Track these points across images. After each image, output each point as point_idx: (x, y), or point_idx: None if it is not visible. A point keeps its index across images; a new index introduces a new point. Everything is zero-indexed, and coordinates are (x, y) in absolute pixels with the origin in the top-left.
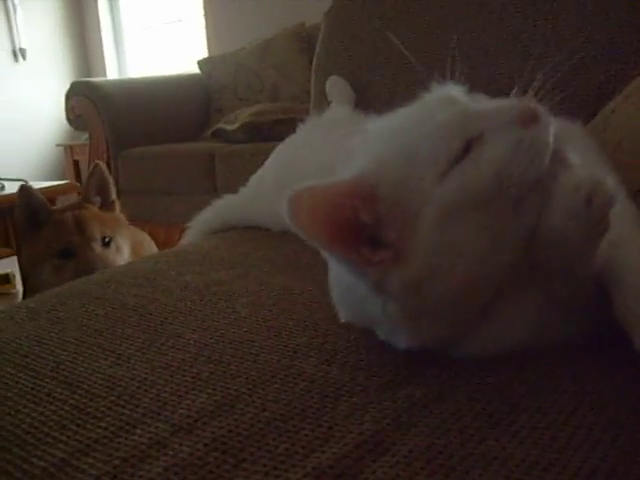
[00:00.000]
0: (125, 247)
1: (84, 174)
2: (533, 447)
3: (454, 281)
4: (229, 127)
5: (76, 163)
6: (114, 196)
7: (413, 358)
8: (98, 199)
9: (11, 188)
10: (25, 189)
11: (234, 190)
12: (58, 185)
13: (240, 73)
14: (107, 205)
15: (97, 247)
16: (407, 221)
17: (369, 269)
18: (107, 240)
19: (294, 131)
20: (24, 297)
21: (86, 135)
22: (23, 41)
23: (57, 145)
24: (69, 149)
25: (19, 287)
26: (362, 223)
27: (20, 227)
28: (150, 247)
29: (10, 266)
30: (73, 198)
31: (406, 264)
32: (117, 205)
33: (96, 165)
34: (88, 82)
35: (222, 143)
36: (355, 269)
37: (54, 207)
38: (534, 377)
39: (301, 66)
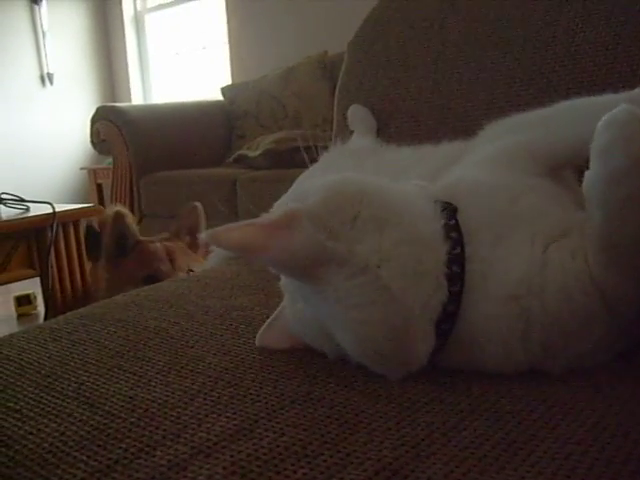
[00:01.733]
0: None
1: (107, 197)
2: (552, 477)
3: None
4: (251, 153)
5: (99, 186)
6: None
7: (432, 385)
8: (187, 238)
9: (35, 210)
10: (119, 215)
11: (255, 216)
12: (83, 208)
13: (263, 100)
14: (194, 246)
15: (184, 277)
16: None
17: None
18: (192, 273)
19: (317, 159)
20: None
21: (109, 159)
22: (51, 66)
23: (81, 168)
24: (92, 172)
25: (40, 308)
26: None
27: (107, 250)
28: None
29: (33, 287)
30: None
31: None
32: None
33: (194, 207)
34: (113, 107)
35: (244, 169)
36: None
37: (143, 238)
38: (554, 407)
39: (323, 94)
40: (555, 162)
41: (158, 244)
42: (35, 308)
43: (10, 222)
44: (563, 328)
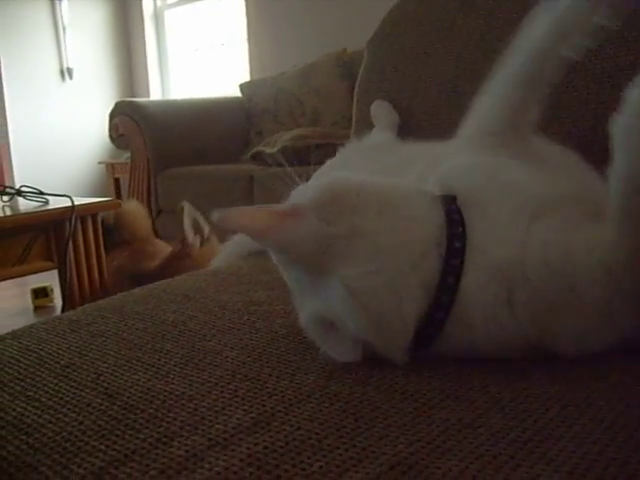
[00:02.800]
0: None
1: (124, 191)
2: (568, 476)
3: None
4: (268, 150)
5: (117, 181)
6: (207, 229)
7: (448, 382)
8: (198, 238)
9: (54, 203)
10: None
11: None
12: (101, 201)
13: (281, 97)
14: (204, 241)
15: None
16: None
17: None
18: None
19: (334, 155)
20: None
21: (127, 154)
22: (71, 61)
23: (99, 163)
24: (110, 167)
25: (57, 301)
26: None
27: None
28: None
29: (50, 280)
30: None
31: None
32: (210, 235)
33: (182, 207)
34: (132, 102)
35: (261, 166)
36: None
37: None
38: (570, 406)
39: (342, 92)
40: (510, 124)
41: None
42: (52, 300)
43: (29, 215)
44: (548, 299)
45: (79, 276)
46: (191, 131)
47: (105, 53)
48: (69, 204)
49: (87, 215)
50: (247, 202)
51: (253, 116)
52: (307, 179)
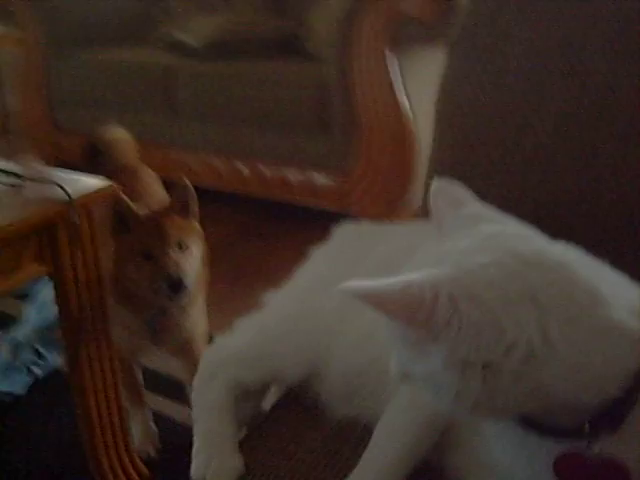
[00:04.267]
0: (198, 255)
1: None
2: None
3: None
4: (193, 43)
5: None
6: (196, 209)
7: None
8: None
9: (34, 188)
10: (118, 199)
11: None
12: (100, 189)
13: None
14: (188, 216)
15: (173, 253)
16: None
17: None
18: (183, 247)
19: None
20: None
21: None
22: None
23: None
24: None
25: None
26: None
27: (111, 228)
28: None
29: None
30: None
31: None
32: (197, 216)
33: (186, 186)
34: None
35: (180, 57)
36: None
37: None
38: None
39: None
40: None
41: (151, 223)
42: None
43: (23, 220)
44: None
45: (77, 283)
46: (85, 5)
47: None
48: (60, 192)
49: (82, 210)
50: (167, 99)
51: None
52: (235, 78)
